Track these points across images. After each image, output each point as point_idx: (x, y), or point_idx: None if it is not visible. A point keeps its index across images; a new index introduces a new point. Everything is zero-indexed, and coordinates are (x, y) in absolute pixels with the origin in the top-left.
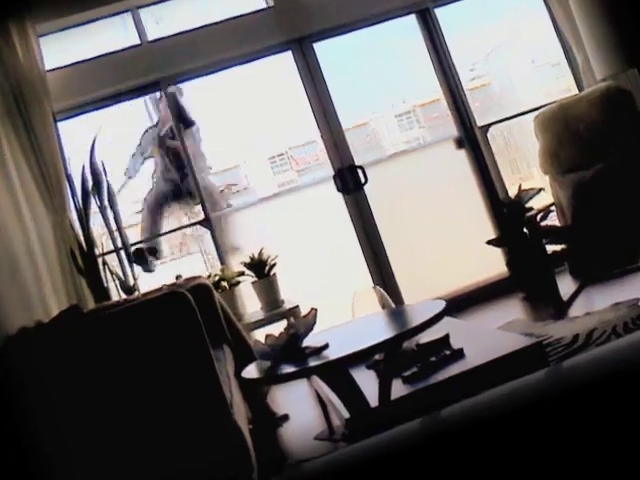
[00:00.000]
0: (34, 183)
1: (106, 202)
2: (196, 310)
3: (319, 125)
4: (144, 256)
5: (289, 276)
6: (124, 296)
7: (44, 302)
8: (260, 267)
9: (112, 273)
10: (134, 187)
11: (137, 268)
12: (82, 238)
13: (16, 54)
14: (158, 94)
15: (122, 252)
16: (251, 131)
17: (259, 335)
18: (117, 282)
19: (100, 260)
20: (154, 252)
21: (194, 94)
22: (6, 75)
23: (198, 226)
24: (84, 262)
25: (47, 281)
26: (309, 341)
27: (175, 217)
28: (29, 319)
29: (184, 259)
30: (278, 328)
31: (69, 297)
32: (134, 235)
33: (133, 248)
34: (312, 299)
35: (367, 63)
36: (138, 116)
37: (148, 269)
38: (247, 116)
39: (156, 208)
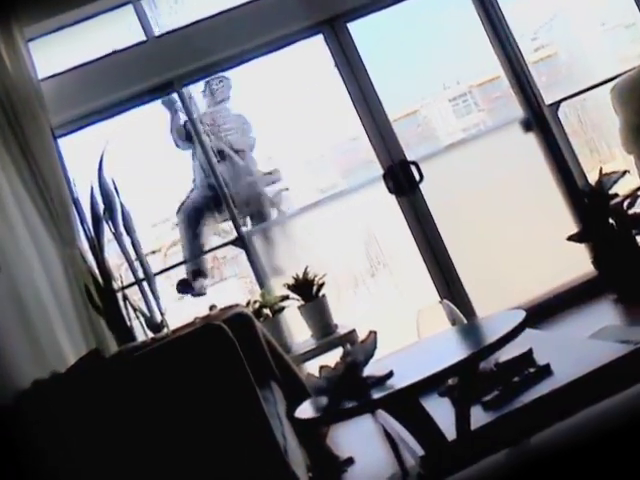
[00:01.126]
0: (36, 211)
1: (121, 227)
2: (236, 344)
3: (362, 118)
4: (190, 284)
5: (341, 296)
6: (151, 335)
7: (58, 349)
8: (306, 288)
9: (135, 309)
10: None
11: (172, 299)
12: (97, 271)
13: (2, 63)
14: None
15: (145, 284)
16: (285, 130)
17: (312, 367)
18: (141, 319)
19: (120, 295)
20: (200, 274)
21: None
22: None
23: (230, 247)
24: (101, 299)
25: (60, 324)
26: (370, 369)
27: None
28: (43, 370)
29: (217, 286)
30: (333, 357)
31: (87, 341)
32: (157, 262)
33: (178, 280)
34: (369, 320)
35: (411, 42)
36: (151, 123)
37: (199, 293)
38: (278, 113)
39: (196, 219)
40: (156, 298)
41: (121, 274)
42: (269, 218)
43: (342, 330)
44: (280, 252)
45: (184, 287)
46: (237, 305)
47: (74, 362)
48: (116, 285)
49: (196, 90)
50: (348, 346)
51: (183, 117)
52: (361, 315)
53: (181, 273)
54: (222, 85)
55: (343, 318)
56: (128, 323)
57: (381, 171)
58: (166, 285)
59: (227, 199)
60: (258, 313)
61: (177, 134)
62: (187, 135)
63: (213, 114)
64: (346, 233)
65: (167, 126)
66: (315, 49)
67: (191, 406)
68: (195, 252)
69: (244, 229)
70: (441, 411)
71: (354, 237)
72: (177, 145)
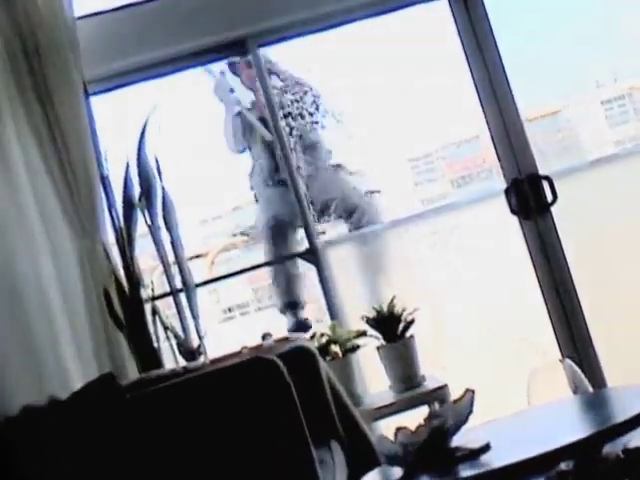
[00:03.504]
0: (52, 187)
1: (160, 219)
2: (291, 387)
3: (485, 112)
4: (304, 324)
5: (432, 339)
6: (183, 362)
7: (62, 369)
8: (390, 325)
9: (166, 327)
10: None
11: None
12: (122, 273)
13: None
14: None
15: (182, 296)
16: (380, 121)
17: (386, 428)
18: (173, 341)
19: (148, 307)
20: (295, 305)
21: (293, 60)
22: (14, 25)
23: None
24: (124, 309)
25: (67, 337)
26: (461, 439)
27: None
28: (39, 394)
29: (273, 310)
30: (415, 418)
31: (99, 362)
32: (201, 270)
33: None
34: (466, 375)
35: (559, 22)
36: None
37: (304, 326)
38: (373, 98)
39: (281, 235)
40: (195, 316)
41: (153, 280)
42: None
43: (430, 384)
44: (361, 274)
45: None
46: (298, 337)
47: (80, 387)
48: (145, 294)
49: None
50: (436, 405)
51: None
52: (456, 367)
53: (231, 287)
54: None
55: (433, 368)
56: (155, 344)
57: (503, 184)
58: (210, 301)
59: (301, 200)
60: (325, 350)
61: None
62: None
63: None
64: (448, 256)
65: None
66: (434, 17)
67: (224, 461)
68: (285, 278)
69: (321, 239)
70: None
71: (458, 263)
72: (233, 147)
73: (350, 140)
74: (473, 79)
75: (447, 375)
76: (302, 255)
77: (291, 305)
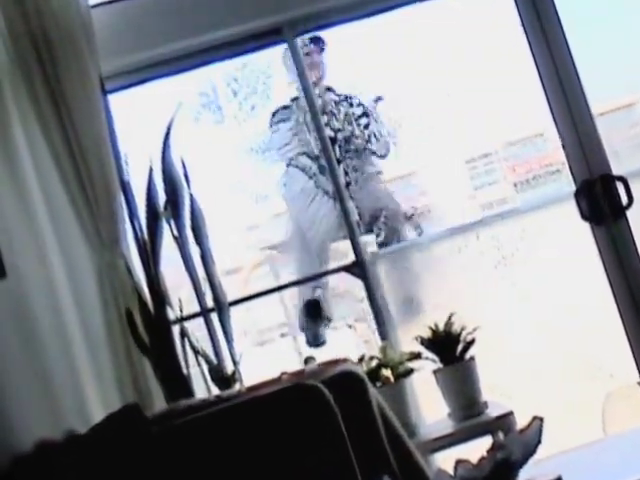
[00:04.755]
0: (66, 196)
1: (188, 230)
2: (337, 416)
3: (551, 107)
4: (320, 314)
5: (495, 361)
6: (216, 391)
7: (81, 400)
8: (448, 345)
9: (197, 352)
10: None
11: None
12: (146, 291)
13: None
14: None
15: (214, 316)
16: (434, 118)
17: (445, 460)
18: (204, 367)
19: (177, 329)
20: (318, 314)
21: (335, 49)
22: (21, 14)
23: (342, 274)
24: (149, 331)
25: (85, 364)
26: (530, 472)
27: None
28: (55, 428)
29: None
30: (477, 449)
31: (123, 392)
32: (235, 287)
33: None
34: (533, 401)
35: (632, 5)
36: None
37: (317, 342)
38: (424, 91)
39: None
40: (229, 339)
41: (180, 299)
42: (403, 238)
43: (494, 411)
44: (414, 289)
45: (311, 317)
46: (345, 360)
47: (101, 420)
48: (172, 314)
49: None
50: (500, 435)
51: None
52: (522, 392)
53: (268, 306)
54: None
55: (496, 393)
56: (184, 370)
57: (573, 187)
58: (246, 322)
59: (346, 208)
60: (375, 374)
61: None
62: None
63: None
64: (513, 269)
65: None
66: (493, 3)
67: None
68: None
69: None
70: None
71: (523, 275)
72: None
73: (399, 142)
74: (537, 70)
75: (512, 402)
76: (348, 269)
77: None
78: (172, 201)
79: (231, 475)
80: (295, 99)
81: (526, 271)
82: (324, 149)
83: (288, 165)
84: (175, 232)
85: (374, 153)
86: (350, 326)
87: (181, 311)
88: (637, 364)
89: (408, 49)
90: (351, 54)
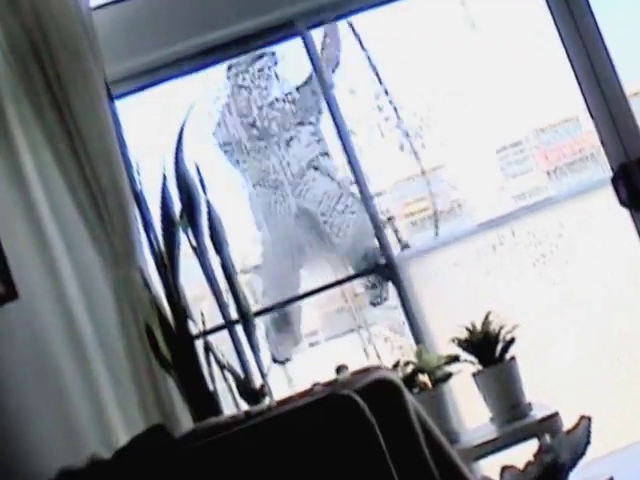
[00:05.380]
0: (77, 210)
1: (207, 239)
2: (374, 426)
3: (583, 90)
4: None
5: (536, 361)
6: (245, 406)
7: (103, 423)
8: (487, 346)
9: (222, 366)
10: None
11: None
12: (166, 305)
13: None
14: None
15: (239, 328)
16: (460, 107)
17: (490, 467)
18: (231, 381)
19: (200, 344)
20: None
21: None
22: (19, 17)
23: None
24: (171, 348)
25: (106, 385)
26: (580, 475)
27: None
28: (77, 453)
29: (344, 339)
30: (524, 454)
31: (146, 412)
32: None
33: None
34: (579, 400)
35: None
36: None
37: (279, 359)
38: (448, 76)
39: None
40: (255, 351)
41: (202, 311)
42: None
43: (538, 412)
44: (448, 288)
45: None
46: (379, 368)
47: (125, 443)
48: (195, 328)
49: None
50: (547, 438)
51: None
52: (567, 391)
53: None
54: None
55: (540, 394)
56: (211, 387)
57: (609, 172)
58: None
59: (372, 209)
60: (411, 380)
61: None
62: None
63: None
64: (550, 260)
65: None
66: None
67: None
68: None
69: (396, 251)
70: None
71: (562, 269)
72: None
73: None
74: (567, 51)
75: (557, 402)
76: (377, 271)
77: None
78: (188, 209)
79: None
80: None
81: (564, 263)
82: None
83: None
84: (193, 241)
85: None
86: (386, 339)
87: (203, 324)
88: None
89: (432, 36)
90: (372, 41)
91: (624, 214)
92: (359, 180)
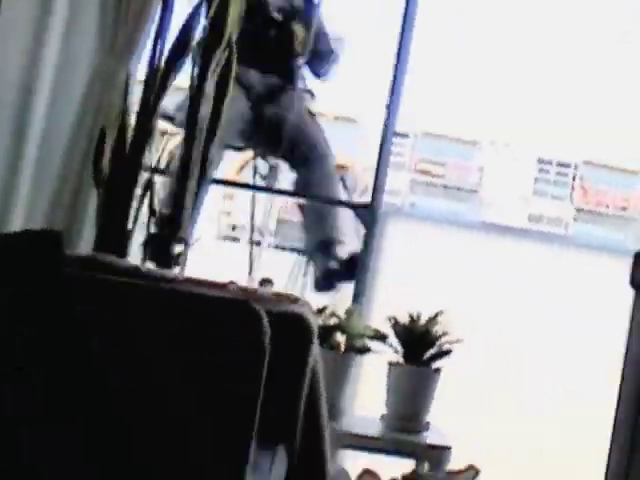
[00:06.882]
0: None
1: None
2: (266, 356)
3: None
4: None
5: (463, 386)
6: (152, 265)
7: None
8: (420, 343)
9: (153, 212)
10: None
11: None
12: (132, 122)
13: None
14: None
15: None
16: (490, 95)
17: (354, 464)
18: (153, 233)
19: (144, 177)
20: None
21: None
22: None
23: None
24: (114, 167)
25: (26, 174)
26: None
27: None
28: None
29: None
30: (394, 467)
31: (52, 216)
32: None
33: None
34: (482, 448)
35: None
36: None
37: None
38: (478, 58)
39: None
40: (193, 215)
41: (164, 149)
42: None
43: (432, 437)
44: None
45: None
46: (304, 303)
47: (13, 232)
48: (150, 160)
49: None
50: (425, 467)
51: None
52: (476, 432)
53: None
54: None
55: (443, 421)
56: (129, 225)
57: (638, 245)
58: (219, 209)
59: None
60: (327, 334)
61: None
62: None
63: None
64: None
65: None
66: None
67: (148, 400)
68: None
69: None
70: None
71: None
72: None
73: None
74: None
75: (458, 438)
76: (355, 206)
77: (323, 245)
78: (208, 42)
79: (127, 359)
80: None
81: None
82: None
83: None
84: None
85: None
86: None
87: (158, 162)
88: None
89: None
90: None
91: (627, 293)
92: None
